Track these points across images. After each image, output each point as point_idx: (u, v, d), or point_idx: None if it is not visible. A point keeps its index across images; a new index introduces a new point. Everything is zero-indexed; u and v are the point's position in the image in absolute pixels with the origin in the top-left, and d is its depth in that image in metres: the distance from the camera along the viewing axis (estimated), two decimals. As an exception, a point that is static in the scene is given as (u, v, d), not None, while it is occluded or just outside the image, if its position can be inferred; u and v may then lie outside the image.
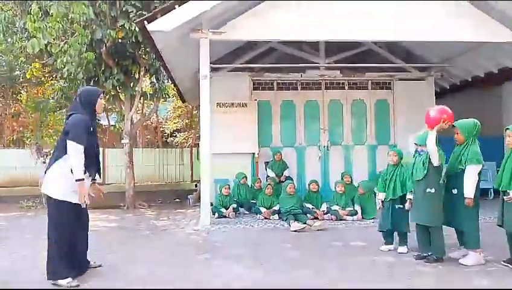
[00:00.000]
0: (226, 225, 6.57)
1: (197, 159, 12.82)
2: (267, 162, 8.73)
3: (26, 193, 11.44)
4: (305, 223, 6.17)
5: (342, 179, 7.57)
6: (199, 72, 6.66)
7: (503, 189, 4.11)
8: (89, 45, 7.96)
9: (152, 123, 18.96)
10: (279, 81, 9.20)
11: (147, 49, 8.53)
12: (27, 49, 7.37)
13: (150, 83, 10.80)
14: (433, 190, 4.27)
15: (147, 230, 6.47)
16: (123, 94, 9.55)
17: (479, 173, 4.24)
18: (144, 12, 7.37)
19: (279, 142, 9.10)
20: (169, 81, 10.00)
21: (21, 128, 14.38)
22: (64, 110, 12.13)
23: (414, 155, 4.60)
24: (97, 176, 4.15)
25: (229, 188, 7.68)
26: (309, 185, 7.38)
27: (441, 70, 9.49)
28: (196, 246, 5.33)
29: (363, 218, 6.86)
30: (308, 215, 6.70)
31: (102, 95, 4.12)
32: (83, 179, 3.75)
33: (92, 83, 8.86)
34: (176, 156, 15.23)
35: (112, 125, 14.25)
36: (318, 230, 6.02)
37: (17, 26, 8.52)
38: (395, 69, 9.23)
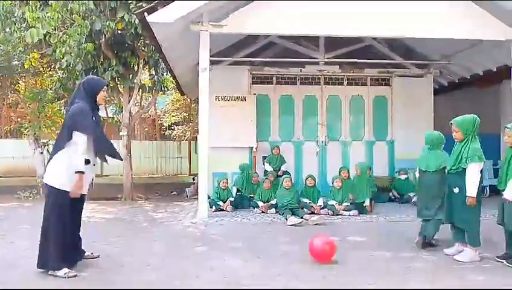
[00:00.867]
0: (223, 218, 6.60)
1: (195, 152, 12.83)
2: (265, 156, 8.74)
3: (24, 183, 11.43)
4: (302, 217, 6.20)
5: (339, 173, 7.61)
6: (198, 64, 6.64)
7: (502, 188, 4.15)
8: (88, 36, 7.91)
9: (150, 116, 18.90)
10: (278, 75, 9.19)
11: (147, 41, 8.49)
12: (26, 39, 7.34)
13: (149, 75, 10.77)
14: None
15: (144, 222, 6.49)
16: (122, 86, 9.52)
17: (481, 171, 4.23)
18: (143, 4, 7.32)
19: (278, 136, 9.11)
20: (169, 73, 9.97)
21: (19, 119, 14.32)
22: (62, 101, 12.08)
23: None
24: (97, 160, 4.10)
25: (227, 181, 7.69)
26: (305, 179, 7.40)
27: (440, 67, 9.51)
28: (193, 238, 5.35)
29: (357, 210, 6.92)
30: (305, 209, 6.74)
31: (105, 87, 4.11)
32: (83, 173, 3.74)
33: (90, 74, 8.81)
34: (174, 149, 15.22)
35: (110, 117, 14.21)
36: (315, 225, 6.05)
37: (15, 15, 8.44)
38: (394, 65, 9.24)
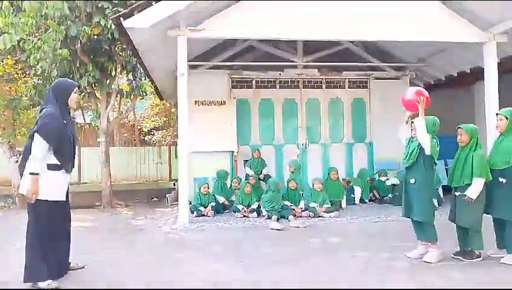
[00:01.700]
0: (205, 223, 6.55)
1: (175, 157, 12.71)
2: (246, 160, 8.74)
3: (-1, 192, 11.14)
4: (287, 219, 6.22)
5: (329, 175, 7.86)
6: (177, 69, 6.60)
7: (455, 185, 4.27)
8: (63, 41, 7.77)
9: (129, 121, 18.69)
10: (257, 79, 9.22)
11: (124, 46, 8.39)
12: (-1, 45, 7.16)
13: (127, 80, 10.64)
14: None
15: (124, 230, 6.39)
16: (99, 91, 9.38)
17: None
18: (120, 9, 7.24)
19: (258, 140, 9.13)
20: (147, 78, 9.88)
21: (-8, 127, 13.95)
22: (38, 107, 11.82)
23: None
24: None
25: (208, 186, 7.65)
26: (288, 183, 7.43)
27: (416, 69, 9.71)
28: (174, 245, 5.30)
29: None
30: (289, 212, 6.77)
31: (76, 88, 4.00)
32: (38, 174, 3.62)
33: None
34: (154, 155, 15.06)
35: (88, 123, 14.00)
36: (296, 227, 6.08)
37: (-13, 21, 8.24)
38: (371, 68, 9.39)
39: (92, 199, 9.13)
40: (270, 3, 6.58)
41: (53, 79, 8.56)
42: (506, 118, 4.21)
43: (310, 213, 6.90)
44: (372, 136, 9.40)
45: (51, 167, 3.71)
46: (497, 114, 4.33)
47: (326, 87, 9.41)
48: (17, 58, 9.11)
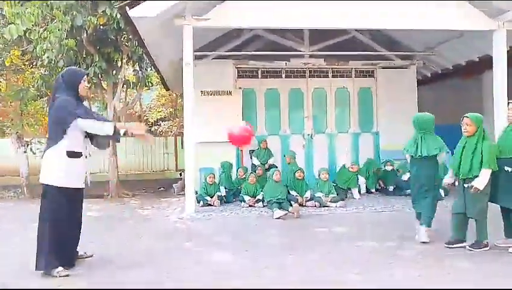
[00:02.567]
0: (211, 212, 6.59)
1: (182, 147, 12.74)
2: (252, 150, 8.74)
3: (7, 182, 11.27)
4: (287, 210, 6.20)
5: (349, 168, 7.91)
6: (182, 59, 6.59)
7: (464, 177, 4.21)
8: (69, 32, 7.77)
9: (136, 112, 18.74)
10: (263, 69, 9.18)
11: (130, 36, 8.38)
12: (5, 35, 7.17)
13: (133, 70, 10.64)
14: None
15: (132, 219, 6.44)
16: (105, 82, 9.40)
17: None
18: (125, -2, 7.23)
19: (264, 130, 9.12)
20: (153, 69, 9.88)
21: (0, 118, 14.06)
22: (45, 98, 11.87)
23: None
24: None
25: (214, 176, 7.67)
26: (294, 173, 7.43)
27: (423, 58, 9.61)
28: (180, 234, 5.34)
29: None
30: (292, 203, 6.75)
31: (85, 77, 4.02)
32: (124, 130, 3.80)
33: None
34: (160, 145, 15.12)
35: (95, 114, 14.06)
36: (297, 218, 6.09)
37: (-6, 11, 8.28)
38: (378, 57, 9.31)
39: (99, 189, 9.20)
40: (276, -9, 6.53)
41: (59, 69, 8.58)
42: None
43: (316, 203, 6.91)
44: (379, 126, 9.35)
45: (70, 155, 3.75)
46: (508, 103, 4.29)
47: (332, 77, 9.35)
48: (23, 49, 9.14)
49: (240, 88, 8.90)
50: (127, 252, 4.45)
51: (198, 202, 7.13)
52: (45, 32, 7.53)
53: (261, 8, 6.54)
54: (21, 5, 7.14)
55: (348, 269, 3.78)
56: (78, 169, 3.86)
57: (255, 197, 7.13)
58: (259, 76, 9.18)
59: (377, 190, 8.40)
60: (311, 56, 9.02)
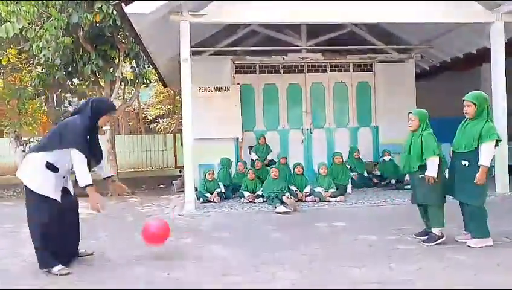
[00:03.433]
0: (211, 209, 6.59)
1: (181, 144, 12.74)
2: (251, 146, 8.74)
3: (6, 182, 11.26)
4: (290, 209, 6.20)
5: (333, 159, 7.81)
6: (180, 55, 6.57)
7: (412, 171, 4.30)
8: (65, 29, 7.76)
9: (134, 109, 18.73)
10: (261, 64, 9.15)
11: (126, 33, 8.35)
12: (1, 34, 7.14)
13: (130, 68, 10.63)
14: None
15: (131, 217, 6.45)
16: (102, 80, 9.38)
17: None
18: (121, -5, 7.19)
19: (263, 126, 9.10)
20: (150, 65, 9.85)
21: (-2, 117, 14.05)
22: (42, 97, 11.85)
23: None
24: (111, 172, 4.22)
25: (213, 173, 7.67)
26: (294, 168, 7.43)
27: (421, 51, 9.58)
28: (181, 230, 5.33)
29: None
30: (284, 198, 6.74)
31: (113, 112, 4.12)
32: (92, 185, 3.72)
33: (70, 69, 8.66)
34: (159, 142, 15.13)
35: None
36: (294, 211, 6.08)
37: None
38: (376, 51, 9.28)
39: (98, 187, 9.18)
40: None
41: (57, 68, 8.57)
42: (474, 104, 4.16)
43: (316, 198, 6.91)
44: (378, 120, 9.34)
45: (48, 166, 3.72)
46: (463, 100, 4.23)
47: (330, 71, 9.33)
48: (20, 47, 9.11)
49: (238, 84, 8.88)
50: (127, 250, 4.45)
51: (198, 199, 7.13)
52: (41, 30, 7.50)
53: (257, 3, 6.51)
54: (16, 3, 7.10)
55: (347, 263, 3.78)
56: (56, 181, 3.79)
57: (255, 193, 7.14)
58: (257, 71, 9.15)
59: (376, 184, 8.37)
60: (308, 51, 8.99)
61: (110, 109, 4.09)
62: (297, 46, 8.83)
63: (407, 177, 6.30)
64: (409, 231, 4.67)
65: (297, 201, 6.69)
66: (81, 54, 8.56)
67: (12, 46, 9.10)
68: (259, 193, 7.10)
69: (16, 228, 5.55)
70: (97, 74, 9.04)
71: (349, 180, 7.81)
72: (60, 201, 3.80)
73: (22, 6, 7.04)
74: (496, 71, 6.96)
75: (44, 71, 9.42)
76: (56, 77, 9.09)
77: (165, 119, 18.42)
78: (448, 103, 9.88)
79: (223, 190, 7.52)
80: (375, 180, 8.38)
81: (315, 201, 6.87)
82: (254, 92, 9.10)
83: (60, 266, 3.68)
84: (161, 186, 10.59)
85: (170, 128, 17.40)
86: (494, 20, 6.89)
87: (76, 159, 3.69)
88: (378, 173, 8.57)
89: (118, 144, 10.33)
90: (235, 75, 9.00)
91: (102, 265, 3.93)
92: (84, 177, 3.71)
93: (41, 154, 3.74)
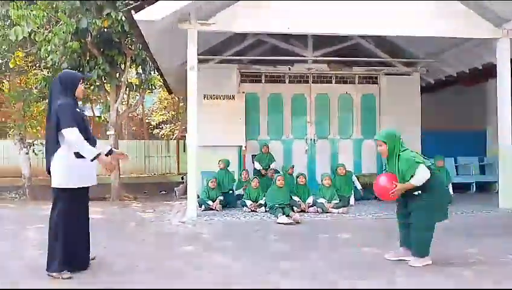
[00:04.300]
0: (213, 217, 6.57)
1: (184, 151, 12.76)
2: (254, 155, 8.73)
3: (10, 184, 11.27)
4: (288, 215, 6.18)
5: (336, 170, 7.73)
6: (186, 63, 6.60)
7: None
8: (74, 34, 7.81)
9: (138, 115, 18.79)
10: (267, 73, 9.19)
11: (133, 39, 8.41)
12: (10, 37, 7.21)
13: (136, 73, 10.68)
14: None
15: (133, 222, 6.42)
16: (108, 84, 9.42)
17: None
18: (130, 1, 7.25)
19: (266, 135, 9.11)
20: (156, 72, 9.90)
21: (3, 119, 14.10)
22: (47, 100, 11.88)
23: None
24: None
25: (216, 181, 7.65)
26: (297, 178, 7.42)
27: (427, 65, 9.60)
28: (182, 238, 5.32)
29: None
30: (294, 208, 6.73)
31: (82, 80, 4.01)
32: (99, 154, 3.70)
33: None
34: (162, 148, 15.15)
35: (97, 116, 14.09)
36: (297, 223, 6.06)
37: (-1, 13, 8.30)
38: (381, 63, 9.31)
39: (100, 192, 9.18)
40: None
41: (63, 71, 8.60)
42: (385, 143, 4.06)
43: (318, 209, 6.88)
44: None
45: (78, 155, 3.71)
46: (375, 139, 4.13)
47: (335, 83, 9.36)
48: (27, 50, 9.18)
49: (243, 92, 8.91)
50: (128, 256, 4.43)
51: (200, 206, 7.11)
52: (50, 34, 7.56)
53: (265, 13, 6.57)
54: (26, 7, 7.18)
55: (349, 274, 3.75)
56: (88, 168, 3.80)
57: (257, 202, 7.12)
58: (263, 81, 9.19)
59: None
60: (314, 61, 9.02)
61: (79, 76, 3.98)
62: (304, 56, 8.86)
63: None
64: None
65: (299, 212, 6.66)
66: (88, 58, 8.61)
67: (20, 49, 9.18)
68: (262, 202, 7.07)
69: (17, 230, 5.55)
70: (103, 79, 9.09)
71: (352, 191, 7.77)
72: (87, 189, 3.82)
73: (31, 11, 7.11)
74: (501, 87, 6.96)
75: (50, 74, 9.47)
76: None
77: (168, 125, 18.46)
78: (453, 116, 9.92)
79: (221, 198, 7.45)
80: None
81: (317, 212, 6.84)
82: (259, 101, 9.13)
83: (68, 274, 3.65)
84: (163, 192, 10.58)
85: (173, 135, 17.42)
86: (500, 36, 6.91)
87: (73, 138, 3.62)
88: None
89: (121, 148, 10.34)
90: (240, 84, 9.04)
91: (103, 270, 3.91)
92: (89, 150, 3.67)
93: (61, 151, 3.69)
